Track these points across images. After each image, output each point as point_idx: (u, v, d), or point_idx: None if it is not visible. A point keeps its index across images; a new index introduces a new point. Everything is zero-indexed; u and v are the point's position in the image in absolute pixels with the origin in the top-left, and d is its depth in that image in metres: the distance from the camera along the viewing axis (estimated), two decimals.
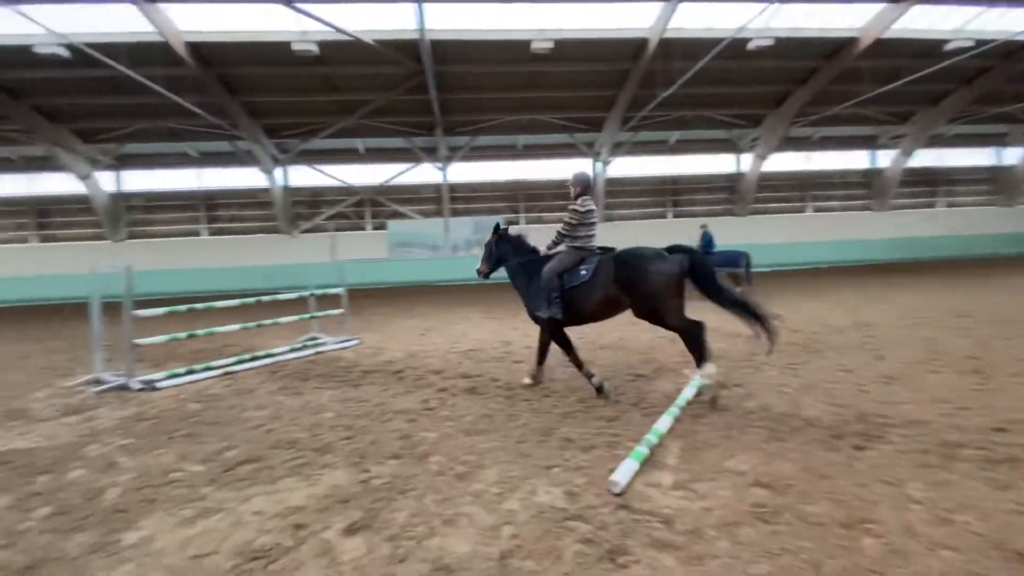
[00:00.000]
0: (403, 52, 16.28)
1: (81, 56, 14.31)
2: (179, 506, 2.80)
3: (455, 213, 23.63)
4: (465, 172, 23.66)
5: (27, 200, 22.14)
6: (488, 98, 19.74)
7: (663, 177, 24.65)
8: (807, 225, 24.85)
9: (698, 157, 24.56)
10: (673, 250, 4.08)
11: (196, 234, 22.87)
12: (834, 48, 18.17)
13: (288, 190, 22.75)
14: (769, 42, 16.10)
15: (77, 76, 16.46)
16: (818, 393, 4.36)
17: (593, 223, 4.41)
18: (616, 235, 19.79)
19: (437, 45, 16.20)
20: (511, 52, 17.00)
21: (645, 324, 4.26)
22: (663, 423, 3.55)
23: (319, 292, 7.97)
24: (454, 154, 22.73)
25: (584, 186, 4.47)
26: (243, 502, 2.81)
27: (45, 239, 22.31)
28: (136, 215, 22.72)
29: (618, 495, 2.69)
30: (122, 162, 22.02)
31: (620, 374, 5.25)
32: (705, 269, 3.93)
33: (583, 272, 4.23)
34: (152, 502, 2.86)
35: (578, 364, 4.61)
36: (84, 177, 21.01)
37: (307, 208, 23.37)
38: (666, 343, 6.72)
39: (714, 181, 24.79)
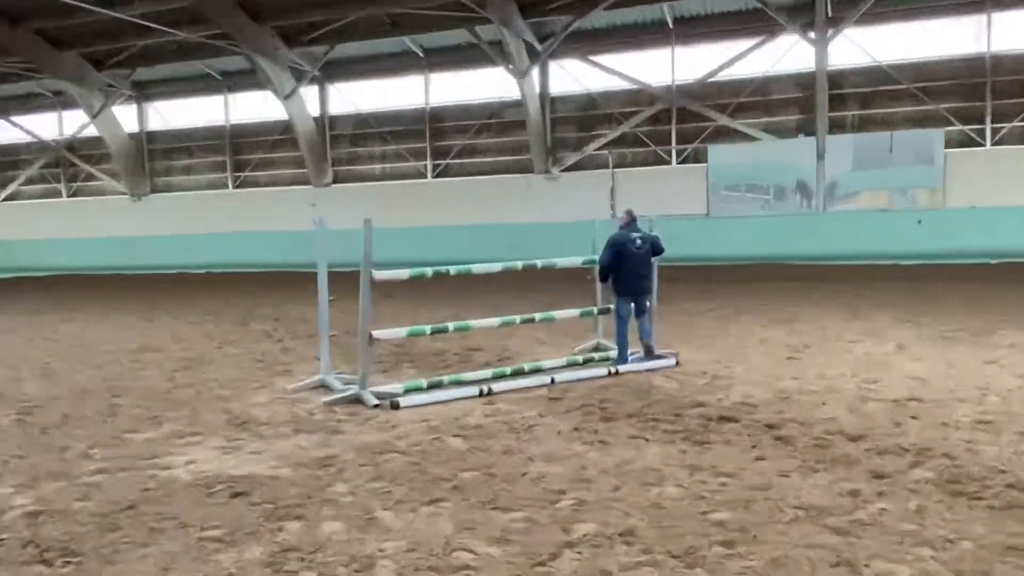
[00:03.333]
0: None
1: None
2: None
3: (836, 124, 12.85)
4: (863, 42, 12.51)
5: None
6: None
7: None
8: None
9: None
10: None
11: (423, 175, 16.54)
12: None
13: (547, 100, 14.63)
14: None
15: None
16: None
17: None
18: None
19: None
20: None
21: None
22: None
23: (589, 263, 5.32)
24: (844, 13, 11.80)
25: None
26: None
27: None
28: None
29: None
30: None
31: None
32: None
33: None
34: None
35: None
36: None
37: (574, 130, 15.04)
38: None
39: None
